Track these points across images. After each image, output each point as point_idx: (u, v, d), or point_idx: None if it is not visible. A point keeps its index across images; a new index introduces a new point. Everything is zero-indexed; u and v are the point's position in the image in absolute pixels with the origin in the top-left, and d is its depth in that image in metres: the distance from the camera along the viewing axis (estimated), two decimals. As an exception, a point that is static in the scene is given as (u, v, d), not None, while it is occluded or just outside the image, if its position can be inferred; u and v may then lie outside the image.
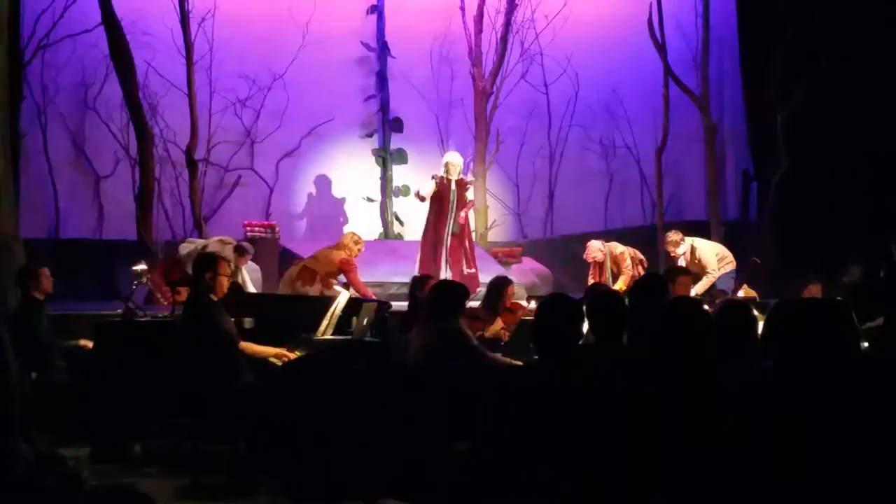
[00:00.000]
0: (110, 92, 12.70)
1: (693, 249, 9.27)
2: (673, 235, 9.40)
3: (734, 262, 9.58)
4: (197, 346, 5.52)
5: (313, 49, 13.53)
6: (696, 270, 9.02)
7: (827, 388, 3.09)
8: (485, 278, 8.56)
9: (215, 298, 5.63)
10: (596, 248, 9.63)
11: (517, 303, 7.82)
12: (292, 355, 5.83)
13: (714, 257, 9.29)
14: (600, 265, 9.56)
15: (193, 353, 5.53)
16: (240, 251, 9.65)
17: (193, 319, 5.64)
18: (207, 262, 5.76)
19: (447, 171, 9.81)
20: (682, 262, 9.04)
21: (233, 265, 9.46)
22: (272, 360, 5.86)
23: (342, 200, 14.21)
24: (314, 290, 8.80)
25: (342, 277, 9.13)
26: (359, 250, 9.30)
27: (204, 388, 5.42)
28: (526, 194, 14.84)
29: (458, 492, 3.60)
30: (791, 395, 3.12)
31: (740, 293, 8.82)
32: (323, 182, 14.12)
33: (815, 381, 3.13)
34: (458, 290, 5.53)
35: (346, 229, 13.18)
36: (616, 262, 9.55)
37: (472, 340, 5.33)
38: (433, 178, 9.91)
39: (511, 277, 8.80)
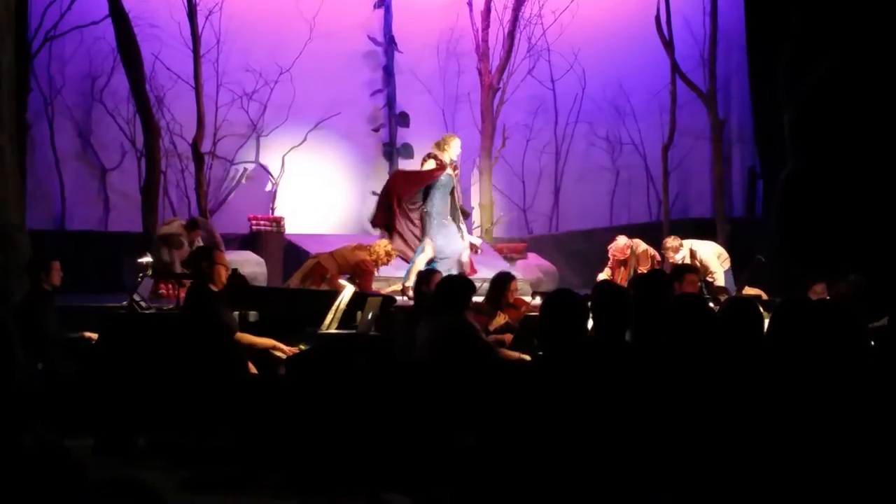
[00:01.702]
0: (117, 84, 12.72)
1: (693, 253, 9.23)
2: (672, 241, 9.33)
3: (729, 259, 9.57)
4: (197, 338, 5.53)
5: (320, 43, 13.52)
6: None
7: (833, 386, 3.08)
8: (489, 273, 8.53)
9: (215, 289, 5.64)
10: (623, 246, 9.57)
11: (520, 298, 7.81)
12: (287, 349, 5.83)
13: (715, 258, 9.26)
14: (624, 262, 9.52)
15: (194, 345, 5.55)
16: (191, 226, 10.13)
17: (192, 310, 5.66)
18: (202, 252, 5.83)
19: (446, 150, 9.39)
20: None
21: (185, 241, 9.79)
22: (276, 353, 5.87)
23: (348, 195, 14.20)
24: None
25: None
26: (387, 261, 9.14)
27: (208, 381, 5.43)
28: (532, 190, 14.83)
29: (462, 486, 3.60)
30: (796, 392, 3.12)
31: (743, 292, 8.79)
32: (329, 176, 14.11)
33: (821, 379, 3.12)
34: (464, 285, 5.53)
35: (359, 225, 13.28)
36: (639, 259, 9.53)
37: (480, 334, 5.33)
38: (432, 158, 9.37)
39: (515, 273, 8.80)
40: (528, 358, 5.66)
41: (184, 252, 10.03)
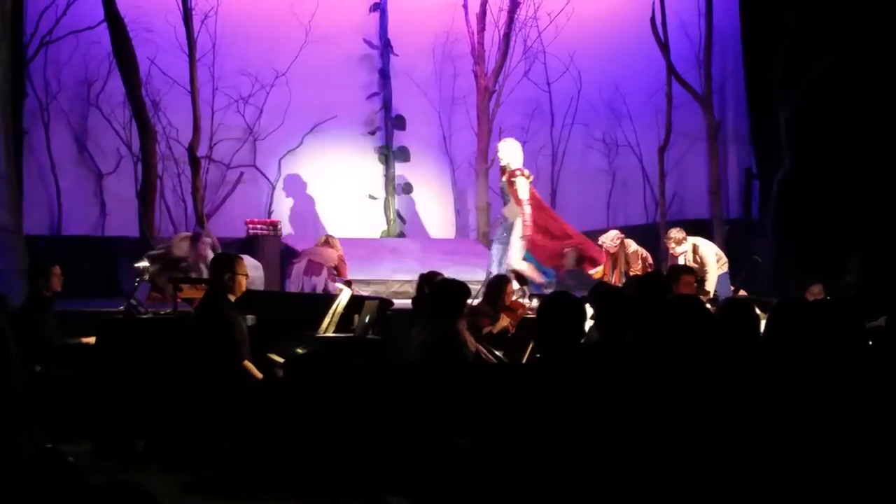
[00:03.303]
0: (113, 89, 12.69)
1: (695, 248, 9.25)
2: (676, 234, 9.35)
3: (727, 263, 9.58)
4: (206, 345, 5.48)
5: (316, 46, 13.51)
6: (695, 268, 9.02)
7: (831, 386, 3.08)
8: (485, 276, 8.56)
9: (233, 299, 5.59)
10: (610, 239, 9.59)
11: (517, 301, 7.82)
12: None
13: (714, 259, 9.28)
14: (614, 257, 9.52)
15: (202, 351, 5.50)
16: (195, 238, 10.20)
17: (208, 319, 5.56)
18: (225, 262, 5.72)
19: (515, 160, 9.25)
20: (681, 261, 9.03)
21: (189, 257, 9.77)
22: (272, 357, 5.86)
23: (344, 198, 14.19)
24: (321, 279, 8.98)
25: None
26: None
27: (208, 385, 5.41)
28: (529, 192, 14.82)
29: (459, 489, 3.60)
30: (794, 393, 3.12)
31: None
32: (325, 180, 14.10)
33: (819, 380, 3.12)
34: (458, 290, 5.52)
35: (344, 228, 13.34)
36: (628, 260, 9.53)
37: (464, 348, 5.31)
38: (523, 174, 9.09)
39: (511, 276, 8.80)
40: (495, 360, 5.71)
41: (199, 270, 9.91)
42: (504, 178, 9.16)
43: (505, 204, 9.23)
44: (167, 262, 10.07)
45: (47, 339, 6.44)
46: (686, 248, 9.24)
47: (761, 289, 9.48)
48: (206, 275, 9.41)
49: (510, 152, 9.22)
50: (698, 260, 9.13)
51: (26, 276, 6.92)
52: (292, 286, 9.73)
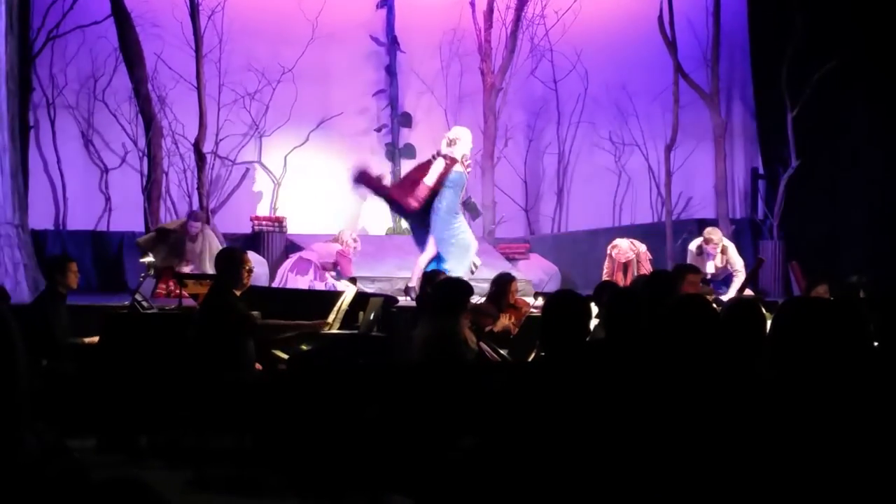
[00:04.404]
0: (119, 84, 12.71)
1: (724, 249, 9.36)
2: (718, 233, 9.50)
3: None
4: (209, 339, 5.47)
5: (322, 43, 13.51)
6: (720, 269, 9.13)
7: (836, 387, 3.07)
8: (491, 274, 8.52)
9: (238, 293, 5.59)
10: (627, 248, 9.65)
11: (521, 299, 7.81)
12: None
13: (740, 258, 9.41)
14: (626, 264, 9.57)
15: (205, 346, 5.49)
16: (194, 217, 10.33)
17: (214, 313, 5.56)
18: (231, 256, 5.73)
19: (457, 147, 9.19)
20: (712, 262, 9.14)
21: (178, 230, 9.98)
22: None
23: (350, 195, 14.18)
24: (306, 279, 9.00)
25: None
26: (356, 249, 9.86)
27: (211, 381, 5.41)
28: (534, 191, 14.81)
29: (463, 488, 3.59)
30: (798, 394, 3.11)
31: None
32: (331, 176, 14.08)
33: (824, 381, 3.11)
34: (461, 288, 5.51)
35: (349, 225, 13.33)
36: (640, 260, 9.59)
37: (464, 346, 5.30)
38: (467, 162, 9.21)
39: (517, 274, 8.79)
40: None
41: (193, 248, 9.96)
42: (444, 161, 9.11)
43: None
44: (158, 237, 10.20)
45: (56, 335, 6.44)
46: (719, 248, 9.38)
47: (767, 289, 9.49)
48: (189, 251, 9.95)
49: (465, 140, 9.26)
50: (725, 260, 9.22)
51: (42, 271, 6.95)
52: (275, 283, 9.80)
